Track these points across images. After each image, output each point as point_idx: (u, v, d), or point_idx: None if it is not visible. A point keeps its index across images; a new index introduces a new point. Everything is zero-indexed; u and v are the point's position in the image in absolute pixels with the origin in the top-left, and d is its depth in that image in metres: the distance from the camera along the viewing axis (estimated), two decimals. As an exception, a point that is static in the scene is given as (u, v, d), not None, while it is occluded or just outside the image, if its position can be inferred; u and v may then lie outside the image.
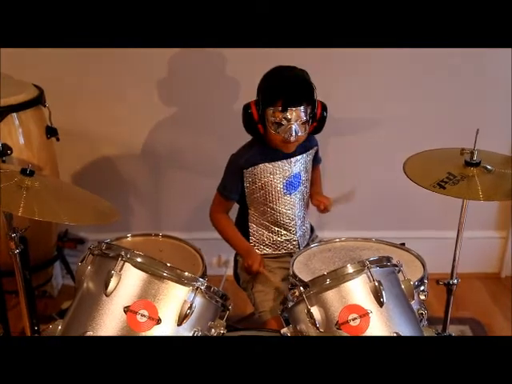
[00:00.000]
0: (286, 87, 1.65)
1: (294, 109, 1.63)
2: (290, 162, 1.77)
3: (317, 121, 1.71)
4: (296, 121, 1.64)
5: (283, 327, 1.42)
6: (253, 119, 1.68)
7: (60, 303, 2.35)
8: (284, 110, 1.62)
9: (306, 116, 1.65)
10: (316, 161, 1.91)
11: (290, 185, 1.79)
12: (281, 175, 1.77)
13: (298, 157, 1.78)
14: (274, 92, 1.65)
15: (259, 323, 1.81)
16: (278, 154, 1.75)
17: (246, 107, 1.69)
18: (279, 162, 1.76)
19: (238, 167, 1.77)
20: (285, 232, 1.84)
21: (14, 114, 1.98)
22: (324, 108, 1.71)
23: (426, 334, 1.41)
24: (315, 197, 1.92)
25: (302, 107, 1.64)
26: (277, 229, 1.83)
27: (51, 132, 2.12)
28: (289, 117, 1.63)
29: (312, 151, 1.85)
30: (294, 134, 1.65)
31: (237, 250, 1.87)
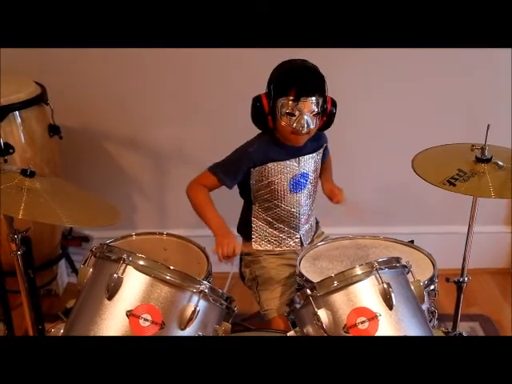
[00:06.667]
0: (298, 76, 1.62)
1: (306, 99, 1.60)
2: (299, 161, 1.74)
3: (326, 116, 1.69)
4: (308, 112, 1.62)
5: (289, 325, 1.39)
6: (263, 111, 1.65)
7: (65, 302, 2.32)
8: (296, 100, 1.60)
9: (317, 108, 1.63)
10: (325, 155, 1.88)
11: (297, 183, 1.76)
12: (288, 174, 1.74)
13: (307, 156, 1.76)
14: (286, 81, 1.62)
15: (265, 321, 1.79)
16: (286, 152, 1.72)
17: (256, 99, 1.66)
18: (287, 162, 1.73)
19: (247, 161, 1.71)
20: (287, 229, 1.81)
21: (16, 113, 1.97)
22: (334, 104, 1.70)
23: (436, 336, 1.38)
24: (327, 186, 1.89)
25: (314, 98, 1.61)
26: (280, 225, 1.80)
27: (54, 130, 2.11)
28: (301, 107, 1.61)
29: (321, 149, 1.82)
30: (305, 125, 1.62)
31: (210, 227, 1.69)
